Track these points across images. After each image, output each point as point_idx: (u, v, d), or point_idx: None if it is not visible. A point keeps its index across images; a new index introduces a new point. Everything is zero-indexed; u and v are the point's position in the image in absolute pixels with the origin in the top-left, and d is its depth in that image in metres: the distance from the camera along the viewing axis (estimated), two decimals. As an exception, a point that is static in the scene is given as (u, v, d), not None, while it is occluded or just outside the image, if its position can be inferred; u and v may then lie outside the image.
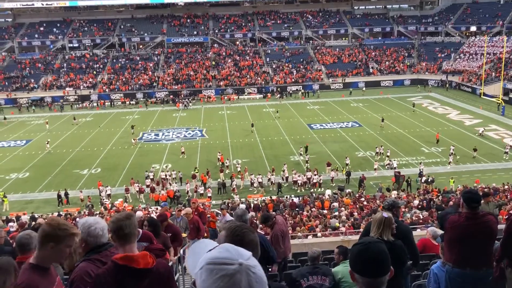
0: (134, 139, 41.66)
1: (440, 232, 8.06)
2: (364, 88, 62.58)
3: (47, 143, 40.35)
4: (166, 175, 31.64)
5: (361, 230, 17.17)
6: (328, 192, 28.11)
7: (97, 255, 3.60)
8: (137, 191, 30.02)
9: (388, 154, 34.23)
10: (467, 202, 4.81)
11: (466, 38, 74.18)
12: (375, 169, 32.03)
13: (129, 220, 3.25)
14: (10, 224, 21.70)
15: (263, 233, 9.92)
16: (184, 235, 11.17)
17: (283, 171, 31.45)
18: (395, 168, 31.81)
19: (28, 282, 3.05)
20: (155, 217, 9.37)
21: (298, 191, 29.81)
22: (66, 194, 29.19)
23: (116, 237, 3.22)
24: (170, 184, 30.65)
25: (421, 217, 18.64)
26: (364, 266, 2.21)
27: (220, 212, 12.70)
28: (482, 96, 53.59)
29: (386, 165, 33.09)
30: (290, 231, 13.70)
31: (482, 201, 8.70)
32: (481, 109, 49.38)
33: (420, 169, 30.67)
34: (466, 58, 67.80)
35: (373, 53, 73.62)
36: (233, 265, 1.59)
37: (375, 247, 2.23)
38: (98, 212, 25.37)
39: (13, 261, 3.35)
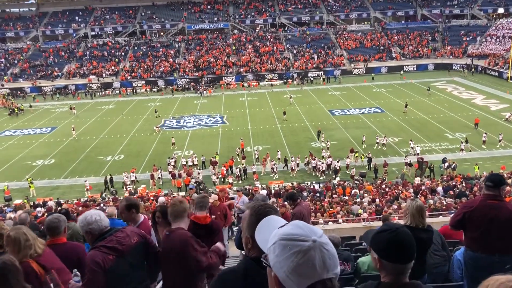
0: (156, 127, 42.09)
1: None
2: (402, 72, 61.64)
3: (73, 129, 41.16)
4: (193, 161, 32.34)
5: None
6: (338, 179, 28.12)
7: (102, 241, 3.89)
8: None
9: (412, 145, 32.94)
10: (484, 181, 4.76)
11: (493, 20, 72.02)
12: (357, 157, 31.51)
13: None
14: (38, 209, 22.27)
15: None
16: None
17: (279, 158, 31.87)
18: (418, 154, 31.37)
19: None
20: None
21: (321, 178, 29.72)
22: (111, 180, 29.77)
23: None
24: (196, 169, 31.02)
25: (444, 203, 18.39)
26: (395, 253, 2.21)
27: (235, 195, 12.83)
28: (509, 80, 52.20)
29: (411, 147, 32.54)
30: (311, 218, 13.70)
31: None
32: (508, 94, 48.07)
33: (409, 161, 29.96)
34: (493, 41, 65.93)
35: (396, 37, 72.23)
36: (307, 242, 1.60)
37: (404, 233, 2.23)
38: (121, 198, 25.84)
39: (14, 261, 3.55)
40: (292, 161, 30.72)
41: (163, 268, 4.52)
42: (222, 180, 29.93)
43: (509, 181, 21.85)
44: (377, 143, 34.38)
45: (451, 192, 20.92)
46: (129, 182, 29.75)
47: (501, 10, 72.60)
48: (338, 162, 30.14)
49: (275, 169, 30.62)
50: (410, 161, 29.88)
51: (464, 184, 23.00)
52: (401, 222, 5.08)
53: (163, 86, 62.36)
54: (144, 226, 5.33)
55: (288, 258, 1.60)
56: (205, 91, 58.05)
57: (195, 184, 22.26)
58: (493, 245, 4.61)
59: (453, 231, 7.98)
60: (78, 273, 3.90)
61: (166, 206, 6.08)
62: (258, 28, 78.10)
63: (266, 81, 62.18)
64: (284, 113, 43.27)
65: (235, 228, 12.13)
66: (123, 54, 70.60)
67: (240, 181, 29.87)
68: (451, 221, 5.13)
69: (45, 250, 3.93)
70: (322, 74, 62.97)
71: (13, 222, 6.99)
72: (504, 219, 4.56)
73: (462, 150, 32.06)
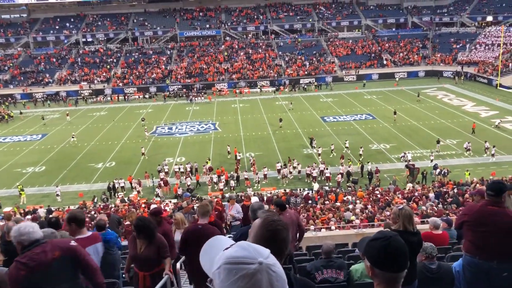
0: (146, 130, 41.97)
1: (441, 222, 8.03)
2: (397, 79, 62.63)
3: (72, 137, 40.96)
4: (188, 167, 31.85)
5: (375, 223, 17.10)
6: (316, 186, 28.10)
7: (19, 257, 3.94)
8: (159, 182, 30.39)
9: (404, 156, 32.80)
10: (486, 189, 4.78)
11: (482, 28, 72.90)
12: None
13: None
14: (28, 217, 22.07)
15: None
16: None
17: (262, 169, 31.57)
18: (409, 160, 31.53)
19: None
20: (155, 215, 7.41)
21: (313, 184, 29.72)
22: (114, 186, 29.60)
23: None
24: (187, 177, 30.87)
25: (436, 209, 18.48)
26: (388, 261, 2.16)
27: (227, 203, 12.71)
28: (498, 87, 52.74)
29: (401, 157, 32.76)
30: (305, 225, 13.66)
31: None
32: (497, 101, 48.58)
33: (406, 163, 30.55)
34: (482, 49, 66.69)
35: (387, 45, 72.80)
36: (253, 265, 1.54)
37: (397, 242, 2.18)
38: (113, 205, 25.66)
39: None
40: (285, 168, 30.74)
41: (190, 256, 5.63)
42: (217, 185, 29.83)
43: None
44: (347, 147, 34.71)
45: (439, 199, 21.04)
46: (120, 189, 29.63)
47: (489, 18, 73.46)
48: (327, 169, 30.20)
49: (257, 179, 30.41)
50: (407, 162, 30.62)
51: (455, 191, 23.11)
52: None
53: (154, 93, 62.20)
54: (87, 240, 5.37)
55: (234, 283, 1.54)
56: (196, 98, 57.98)
57: (188, 193, 22.20)
58: (491, 251, 4.60)
59: (437, 237, 8.00)
60: None
61: (141, 220, 5.91)
62: (250, 35, 78.37)
63: (258, 88, 62.03)
64: (281, 120, 43.14)
65: (227, 236, 12.07)
66: (114, 60, 70.41)
67: (232, 188, 29.81)
68: (455, 225, 5.23)
69: None
70: (314, 81, 63.22)
71: (0, 230, 6.88)
72: (504, 226, 4.54)
73: (432, 160, 31.45)
